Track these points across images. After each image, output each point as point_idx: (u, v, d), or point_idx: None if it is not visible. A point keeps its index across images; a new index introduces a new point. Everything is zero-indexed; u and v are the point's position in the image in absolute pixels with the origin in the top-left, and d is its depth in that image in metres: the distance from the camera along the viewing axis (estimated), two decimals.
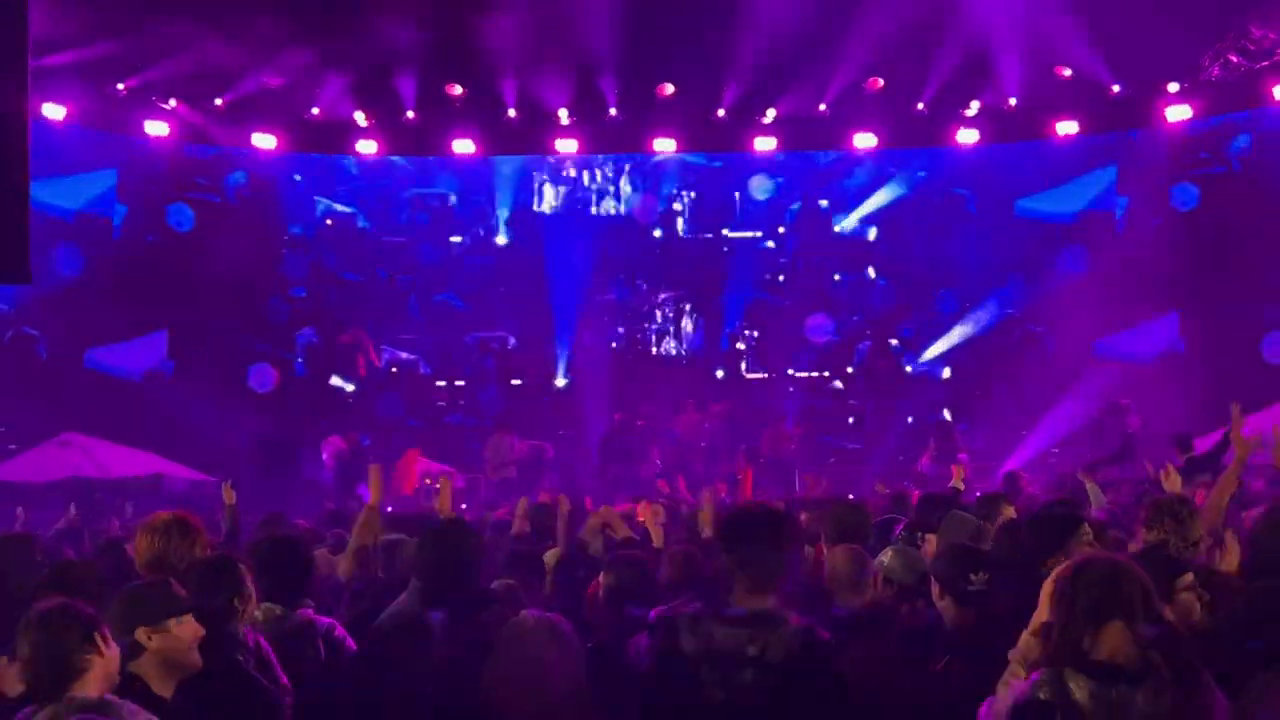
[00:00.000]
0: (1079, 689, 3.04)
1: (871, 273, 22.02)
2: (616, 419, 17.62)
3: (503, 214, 22.46)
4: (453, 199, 22.34)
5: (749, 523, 3.96)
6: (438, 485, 15.38)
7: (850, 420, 19.62)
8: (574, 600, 5.84)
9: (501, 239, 22.49)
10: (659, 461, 17.21)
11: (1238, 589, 4.42)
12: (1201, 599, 4.13)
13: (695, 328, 21.87)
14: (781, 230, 22.63)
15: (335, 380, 20.55)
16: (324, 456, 17.17)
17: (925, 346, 21.29)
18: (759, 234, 22.58)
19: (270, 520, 8.31)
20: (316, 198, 21.57)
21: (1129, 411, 16.12)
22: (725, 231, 22.75)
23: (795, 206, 22.33)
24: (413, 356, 21.44)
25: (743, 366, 21.34)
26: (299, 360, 20.71)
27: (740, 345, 21.44)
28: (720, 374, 21.14)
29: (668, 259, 22.64)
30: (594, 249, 22.14)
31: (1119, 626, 3.10)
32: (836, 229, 22.05)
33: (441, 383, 21.33)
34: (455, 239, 22.55)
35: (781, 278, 22.40)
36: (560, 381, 21.01)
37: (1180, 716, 3.00)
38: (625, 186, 22.28)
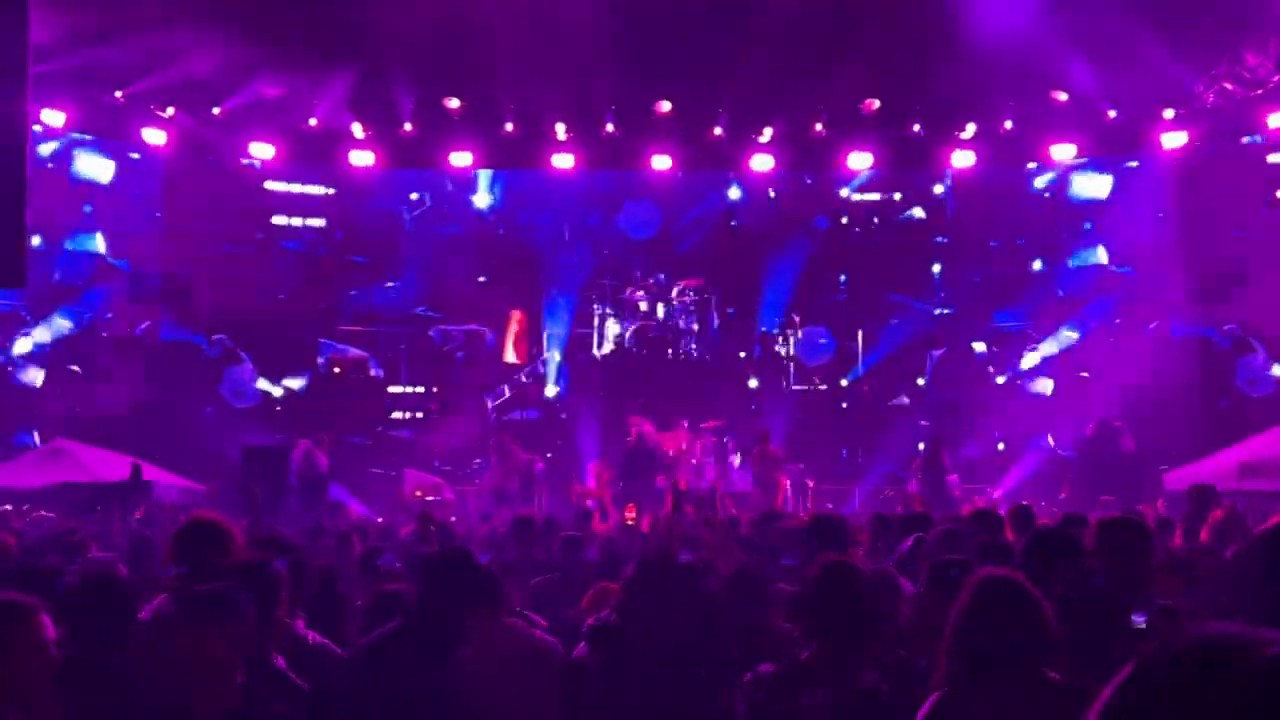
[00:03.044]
0: (974, 700, 3.11)
1: (1102, 255, 18.82)
2: (634, 434, 16.10)
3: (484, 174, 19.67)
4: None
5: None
6: (429, 498, 15.44)
7: (920, 446, 16.07)
8: None
9: (481, 201, 19.80)
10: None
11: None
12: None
13: (722, 324, 18.38)
14: (938, 190, 19.46)
15: (262, 384, 18.15)
16: (295, 462, 15.25)
17: (1027, 350, 18.41)
18: (896, 195, 19.38)
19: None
20: None
21: (1122, 434, 16.02)
22: (844, 192, 19.63)
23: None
24: (361, 354, 18.36)
25: (786, 375, 17.97)
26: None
27: (781, 349, 18.19)
28: (753, 383, 18.14)
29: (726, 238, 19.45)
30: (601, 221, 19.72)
31: (1007, 638, 3.14)
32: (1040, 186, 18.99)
33: (396, 389, 17.95)
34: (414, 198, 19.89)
35: (938, 267, 19.07)
36: (550, 390, 18.65)
37: (1052, 714, 3.05)
38: None
